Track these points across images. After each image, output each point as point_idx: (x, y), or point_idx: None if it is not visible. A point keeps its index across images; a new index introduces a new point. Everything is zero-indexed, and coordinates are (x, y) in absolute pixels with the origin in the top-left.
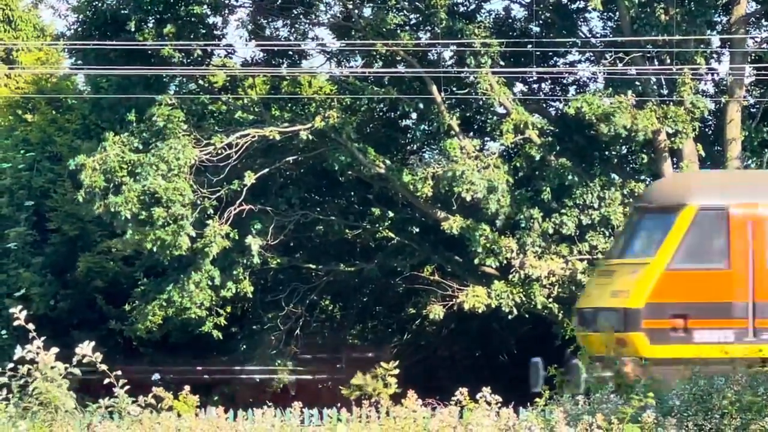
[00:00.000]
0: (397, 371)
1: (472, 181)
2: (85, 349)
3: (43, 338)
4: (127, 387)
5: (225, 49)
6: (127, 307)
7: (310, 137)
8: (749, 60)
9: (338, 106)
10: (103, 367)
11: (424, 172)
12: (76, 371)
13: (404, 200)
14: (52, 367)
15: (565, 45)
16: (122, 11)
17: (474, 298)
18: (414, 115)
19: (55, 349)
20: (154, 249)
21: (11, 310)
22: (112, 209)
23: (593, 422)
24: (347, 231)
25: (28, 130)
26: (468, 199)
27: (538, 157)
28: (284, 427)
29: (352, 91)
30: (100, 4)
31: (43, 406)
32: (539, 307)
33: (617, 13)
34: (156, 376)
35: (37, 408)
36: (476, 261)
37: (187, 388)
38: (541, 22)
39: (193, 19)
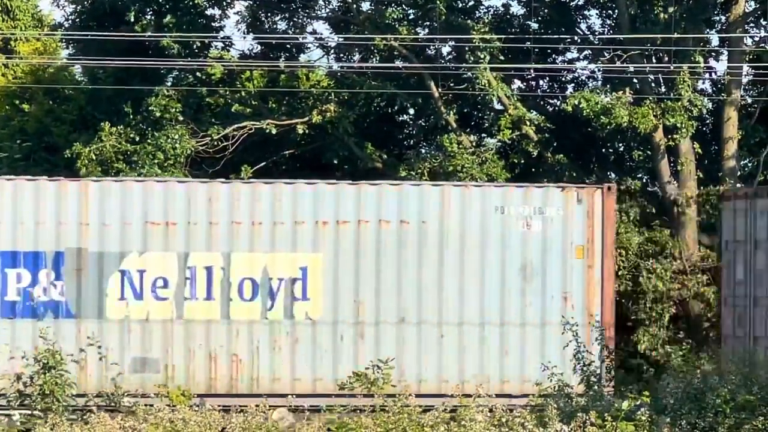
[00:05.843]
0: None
1: (472, 174)
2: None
3: None
4: None
5: (223, 41)
6: None
7: (307, 131)
8: (747, 59)
9: (336, 101)
10: (105, 356)
11: (421, 167)
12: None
13: None
14: (53, 355)
15: (563, 42)
16: (120, 2)
17: None
18: (411, 111)
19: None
20: None
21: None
22: None
23: (587, 419)
24: None
25: (25, 120)
26: None
27: (535, 153)
28: (275, 417)
29: (350, 85)
30: None
31: (43, 396)
32: None
33: (616, 11)
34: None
35: (37, 397)
36: None
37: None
38: (539, 18)
39: (191, 11)
